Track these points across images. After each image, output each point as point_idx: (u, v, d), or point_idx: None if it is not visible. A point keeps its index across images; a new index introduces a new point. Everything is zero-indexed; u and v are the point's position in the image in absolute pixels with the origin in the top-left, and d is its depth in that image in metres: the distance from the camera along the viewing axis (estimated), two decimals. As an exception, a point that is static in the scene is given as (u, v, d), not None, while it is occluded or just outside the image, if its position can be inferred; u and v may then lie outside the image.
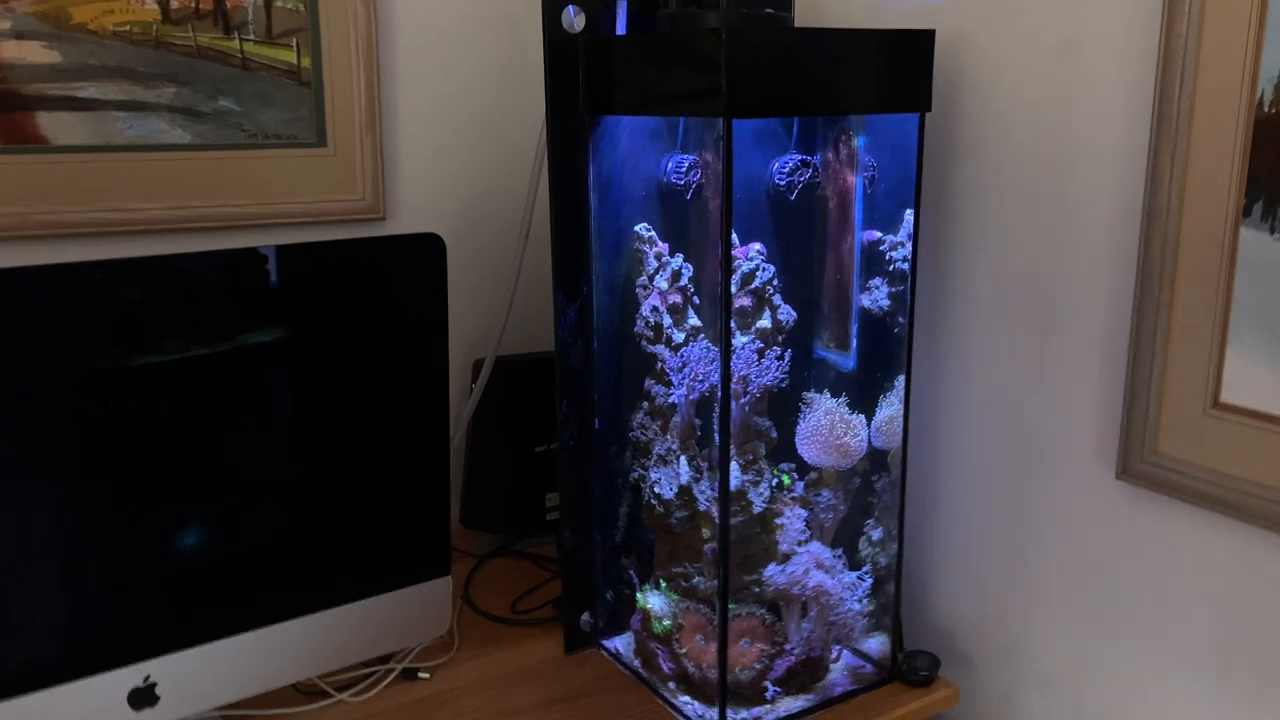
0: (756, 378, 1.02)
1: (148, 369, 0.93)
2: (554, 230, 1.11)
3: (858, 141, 1.06)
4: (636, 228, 1.10)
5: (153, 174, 1.24)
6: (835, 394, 1.09)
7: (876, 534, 1.14)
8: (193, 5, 1.23)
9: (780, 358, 1.04)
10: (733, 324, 1.01)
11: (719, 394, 1.00)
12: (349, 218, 1.37)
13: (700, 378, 1.04)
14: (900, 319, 1.11)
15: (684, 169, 1.06)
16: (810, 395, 1.08)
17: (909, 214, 1.09)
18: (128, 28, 1.20)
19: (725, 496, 1.01)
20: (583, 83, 1.09)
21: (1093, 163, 1.02)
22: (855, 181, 1.07)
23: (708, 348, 1.04)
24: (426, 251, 1.07)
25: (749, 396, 1.03)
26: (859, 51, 0.99)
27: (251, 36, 1.27)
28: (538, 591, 1.34)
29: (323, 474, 1.05)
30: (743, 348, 1.02)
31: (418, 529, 1.13)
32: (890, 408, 1.11)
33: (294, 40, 1.29)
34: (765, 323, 1.04)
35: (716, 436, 1.04)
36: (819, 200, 1.08)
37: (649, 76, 1.03)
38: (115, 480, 0.93)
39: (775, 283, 1.05)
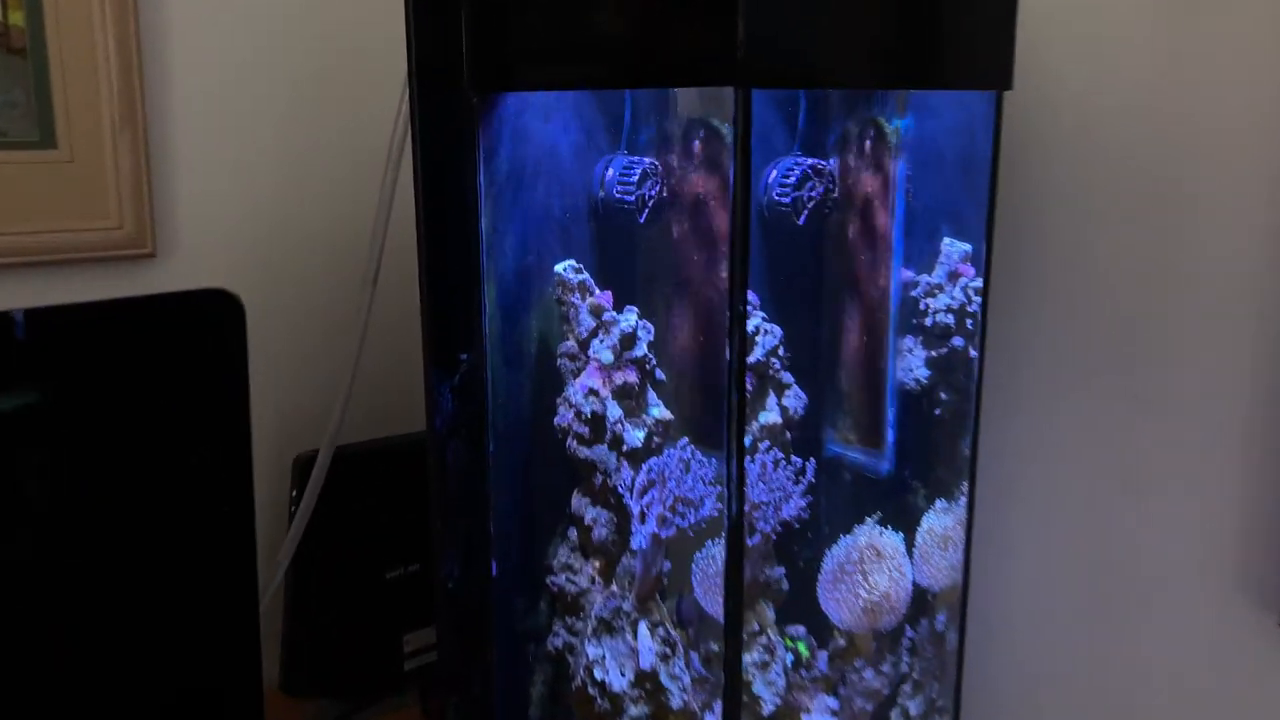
0: (774, 507, 0.65)
1: None
2: (424, 271, 0.73)
3: (894, 135, 0.71)
4: (559, 268, 0.71)
5: None
6: (867, 514, 0.73)
7: (915, 706, 0.79)
8: None
9: (801, 472, 0.67)
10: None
11: (723, 530, 0.62)
12: (99, 254, 0.92)
13: (682, 508, 0.65)
14: (943, 394, 0.76)
15: (634, 178, 0.69)
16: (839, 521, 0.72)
17: (948, 243, 0.75)
18: None
19: (736, 696, 0.63)
20: (468, 44, 0.69)
21: (1231, 162, 0.70)
22: (894, 196, 0.72)
23: (693, 454, 0.65)
24: (210, 316, 0.65)
25: (758, 535, 0.66)
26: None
27: (-75, -26, 0.82)
28: (402, 793, 0.92)
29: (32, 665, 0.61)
30: (753, 459, 0.64)
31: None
32: (936, 528, 0.76)
33: (-2, -16, 0.84)
34: (773, 416, 0.67)
35: (701, 592, 0.66)
36: (836, 226, 0.72)
37: (577, 30, 0.65)
38: None
39: (781, 352, 0.69)
